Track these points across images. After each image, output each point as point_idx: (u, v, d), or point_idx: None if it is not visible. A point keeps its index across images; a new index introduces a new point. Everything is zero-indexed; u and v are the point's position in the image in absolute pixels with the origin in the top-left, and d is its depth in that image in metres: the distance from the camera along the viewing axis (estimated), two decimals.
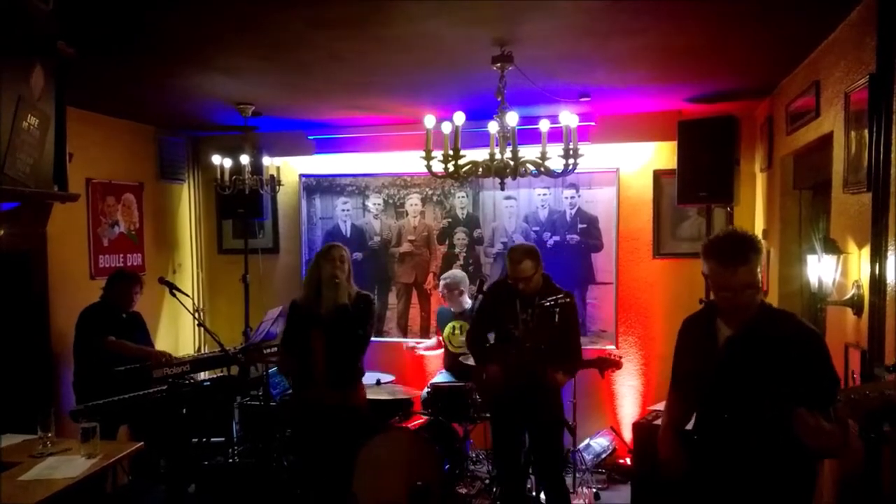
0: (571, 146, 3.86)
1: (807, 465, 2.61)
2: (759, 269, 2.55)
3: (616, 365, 4.19)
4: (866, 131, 2.99)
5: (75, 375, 4.88)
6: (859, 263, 3.23)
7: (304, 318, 4.25)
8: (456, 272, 6.07)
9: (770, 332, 2.57)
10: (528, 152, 3.93)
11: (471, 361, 5.20)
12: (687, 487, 2.79)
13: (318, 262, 4.28)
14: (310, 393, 4.27)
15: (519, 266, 4.17)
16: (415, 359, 6.46)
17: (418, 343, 6.34)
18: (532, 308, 4.17)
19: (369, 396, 4.88)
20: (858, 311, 3.20)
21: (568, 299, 4.08)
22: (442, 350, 6.06)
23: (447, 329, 5.86)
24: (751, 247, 2.54)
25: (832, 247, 3.47)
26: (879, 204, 2.88)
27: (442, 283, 5.94)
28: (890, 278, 2.85)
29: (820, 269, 3.59)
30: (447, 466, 4.83)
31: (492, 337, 4.49)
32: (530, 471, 4.59)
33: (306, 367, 4.25)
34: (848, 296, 3.27)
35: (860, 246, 3.21)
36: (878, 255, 2.89)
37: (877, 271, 2.90)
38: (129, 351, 4.87)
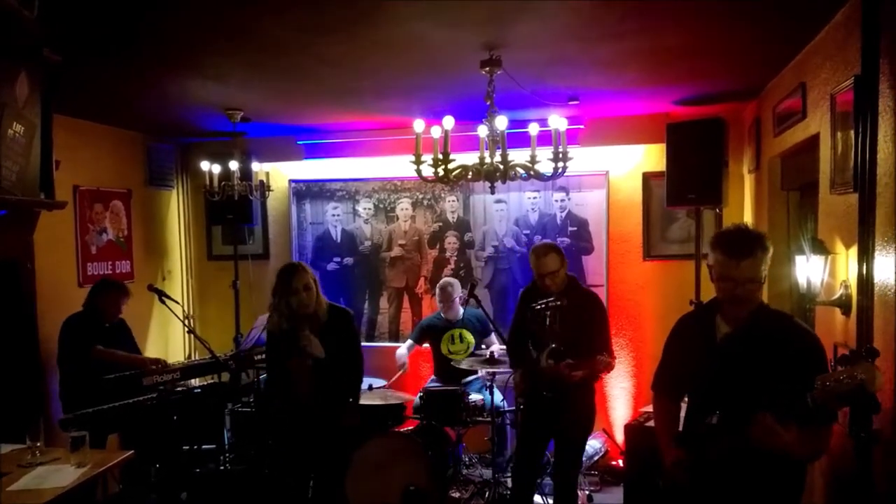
0: (561, 149, 3.87)
1: (796, 464, 2.63)
2: (763, 268, 2.59)
3: (607, 367, 4.18)
4: (852, 132, 3.01)
5: (60, 385, 4.84)
6: (847, 264, 3.24)
7: (285, 344, 4.12)
8: (452, 279, 6.06)
9: (768, 332, 2.60)
10: (518, 156, 3.94)
11: (463, 365, 5.23)
12: (679, 486, 2.79)
13: (285, 294, 4.00)
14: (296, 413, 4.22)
15: (544, 259, 4.16)
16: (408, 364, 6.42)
17: (402, 367, 6.09)
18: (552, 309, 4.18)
19: (362, 402, 4.88)
20: (846, 311, 3.21)
21: (559, 302, 4.06)
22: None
23: (445, 338, 5.83)
24: (758, 243, 2.59)
25: (820, 247, 3.48)
26: (866, 204, 2.89)
27: (439, 290, 5.90)
28: (877, 278, 2.87)
29: (808, 270, 3.60)
30: (440, 471, 4.82)
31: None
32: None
33: (290, 394, 4.18)
34: (836, 296, 3.28)
35: (847, 246, 3.22)
36: (865, 256, 2.90)
37: (864, 271, 2.91)
38: (120, 360, 4.84)
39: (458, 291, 5.87)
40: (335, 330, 4.12)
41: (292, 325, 4.08)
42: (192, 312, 7.00)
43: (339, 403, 4.22)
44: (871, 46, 2.84)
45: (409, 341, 6.11)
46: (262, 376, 5.42)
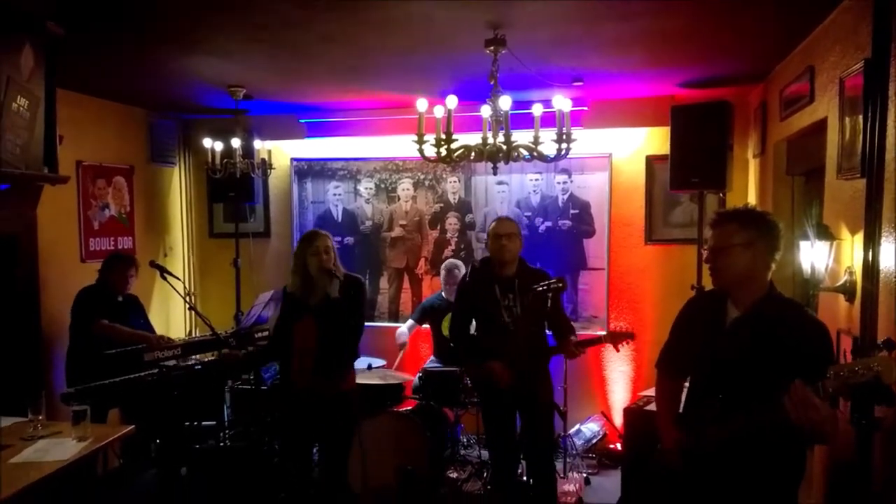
0: (564, 131, 3.85)
1: (797, 451, 2.63)
2: (739, 240, 2.60)
3: (629, 336, 4.21)
4: (861, 117, 2.98)
5: (68, 356, 4.87)
6: (852, 250, 3.23)
7: (295, 307, 4.19)
8: (458, 261, 6.04)
9: (776, 318, 2.59)
10: (521, 137, 3.92)
11: None
12: (672, 470, 2.80)
13: (303, 253, 4.14)
14: (298, 381, 4.23)
15: (505, 223, 4.21)
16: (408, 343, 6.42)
17: (403, 346, 6.07)
18: (513, 293, 4.17)
19: (361, 381, 4.87)
20: (851, 298, 3.20)
21: (560, 284, 4.05)
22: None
23: (446, 319, 5.82)
24: (733, 217, 2.67)
25: (825, 233, 3.48)
26: (873, 190, 2.87)
27: (445, 271, 5.88)
28: (882, 265, 2.86)
29: (812, 256, 3.59)
30: (438, 451, 4.84)
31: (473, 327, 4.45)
32: (521, 455, 4.58)
33: (294, 356, 4.22)
34: (840, 282, 3.27)
35: (853, 232, 3.21)
36: (871, 242, 2.89)
37: (869, 257, 2.90)
38: (121, 335, 4.83)
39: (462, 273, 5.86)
40: (347, 295, 4.15)
41: (305, 289, 4.14)
42: (192, 289, 7.01)
43: (337, 368, 4.22)
44: (882, 29, 2.81)
45: (410, 321, 6.11)
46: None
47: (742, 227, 2.60)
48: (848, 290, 3.21)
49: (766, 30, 3.95)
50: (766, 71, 4.93)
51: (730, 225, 2.63)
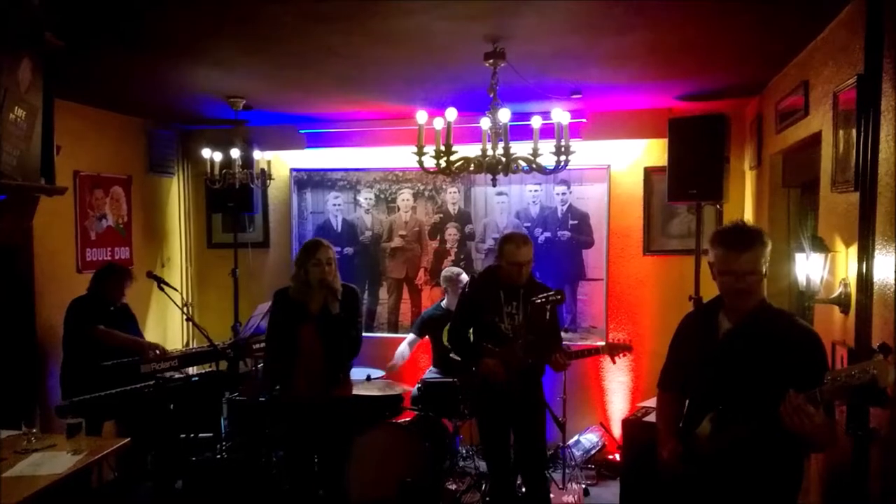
0: (563, 143, 3.87)
1: (794, 460, 2.63)
2: (762, 261, 2.60)
3: (627, 348, 4.23)
4: (854, 131, 3.00)
5: (63, 368, 4.85)
6: (846, 262, 3.24)
7: (295, 313, 4.19)
8: (459, 269, 6.04)
9: (768, 328, 2.61)
10: (520, 148, 3.93)
11: None
12: (676, 481, 2.80)
13: (305, 262, 4.15)
14: (299, 390, 4.24)
15: (524, 248, 4.16)
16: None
17: (393, 367, 6.03)
18: (517, 301, 4.19)
19: (360, 392, 4.87)
20: (845, 310, 3.21)
21: (559, 297, 4.06)
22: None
23: (446, 329, 5.81)
24: (757, 237, 2.63)
25: (820, 245, 3.49)
26: (867, 203, 2.89)
27: (452, 277, 5.85)
28: (876, 277, 2.87)
29: (808, 268, 3.60)
30: (436, 462, 4.82)
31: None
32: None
33: (294, 364, 4.22)
34: (835, 294, 3.28)
35: (847, 244, 3.22)
36: (865, 254, 2.90)
37: (864, 270, 2.91)
38: (120, 340, 4.83)
39: (464, 281, 5.85)
40: (345, 305, 4.18)
41: (305, 296, 4.16)
42: (190, 300, 7.00)
43: (337, 376, 4.26)
44: (874, 46, 2.83)
45: (412, 335, 6.07)
46: (261, 365, 5.42)
47: (763, 247, 2.61)
48: (843, 302, 3.22)
49: (761, 44, 3.97)
50: (762, 84, 4.95)
51: (758, 246, 2.60)
